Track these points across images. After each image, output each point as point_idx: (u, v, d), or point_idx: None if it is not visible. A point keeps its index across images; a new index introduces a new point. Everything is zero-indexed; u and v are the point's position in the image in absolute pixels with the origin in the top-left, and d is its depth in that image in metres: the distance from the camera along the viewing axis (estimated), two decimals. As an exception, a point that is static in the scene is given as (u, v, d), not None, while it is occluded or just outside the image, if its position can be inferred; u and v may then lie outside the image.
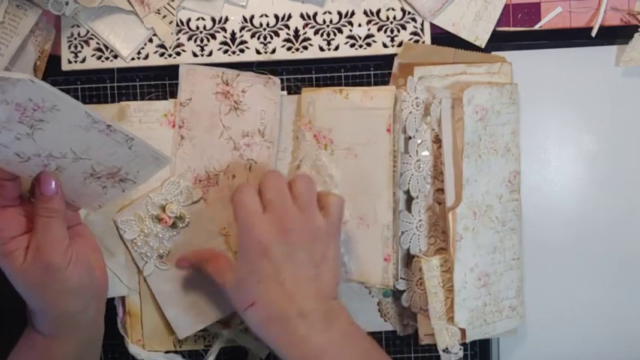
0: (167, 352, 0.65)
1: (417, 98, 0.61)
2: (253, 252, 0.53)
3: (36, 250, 0.51)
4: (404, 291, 0.63)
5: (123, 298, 0.64)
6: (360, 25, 0.64)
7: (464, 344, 0.64)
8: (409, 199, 0.62)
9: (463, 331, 0.61)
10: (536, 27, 0.64)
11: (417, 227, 0.62)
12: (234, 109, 0.57)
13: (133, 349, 0.64)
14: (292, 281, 0.53)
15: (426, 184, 0.62)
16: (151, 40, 0.64)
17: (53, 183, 0.51)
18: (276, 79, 0.62)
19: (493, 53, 0.63)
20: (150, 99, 0.63)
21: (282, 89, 0.63)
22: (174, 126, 0.62)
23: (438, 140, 0.62)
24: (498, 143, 0.60)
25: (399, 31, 0.64)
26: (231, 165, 0.61)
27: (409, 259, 0.63)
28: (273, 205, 0.54)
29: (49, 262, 0.51)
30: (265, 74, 0.62)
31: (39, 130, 0.47)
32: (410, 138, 0.62)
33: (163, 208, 0.60)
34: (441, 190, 0.61)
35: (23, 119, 0.45)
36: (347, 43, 0.64)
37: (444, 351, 0.61)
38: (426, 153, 0.62)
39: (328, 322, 0.54)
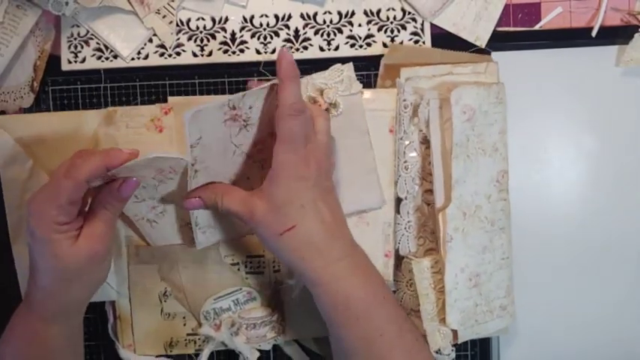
0: (158, 356, 0.65)
1: (404, 100, 0.61)
2: (293, 177, 0.53)
3: (88, 237, 0.53)
4: (394, 292, 0.63)
5: (113, 303, 0.64)
6: (360, 25, 0.64)
7: (464, 344, 0.64)
8: (397, 200, 0.62)
9: (455, 332, 0.61)
10: (537, 27, 0.64)
11: (405, 228, 0.62)
12: (244, 127, 0.56)
13: (124, 353, 0.64)
14: (326, 207, 0.54)
15: (415, 185, 0.62)
16: (150, 40, 0.64)
17: (133, 190, 0.54)
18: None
19: (493, 53, 0.63)
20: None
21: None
22: (161, 131, 0.62)
23: (425, 141, 0.61)
24: (486, 143, 0.60)
25: (399, 31, 0.64)
26: (245, 170, 0.59)
27: (398, 260, 0.63)
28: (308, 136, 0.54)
29: (96, 251, 0.53)
30: (267, 76, 0.62)
31: (163, 184, 0.56)
32: (399, 139, 0.62)
33: (321, 92, 0.60)
34: (430, 191, 0.61)
35: (156, 176, 0.55)
36: (347, 43, 0.64)
37: (436, 352, 0.61)
38: (413, 154, 0.62)
39: (354, 246, 0.56)
